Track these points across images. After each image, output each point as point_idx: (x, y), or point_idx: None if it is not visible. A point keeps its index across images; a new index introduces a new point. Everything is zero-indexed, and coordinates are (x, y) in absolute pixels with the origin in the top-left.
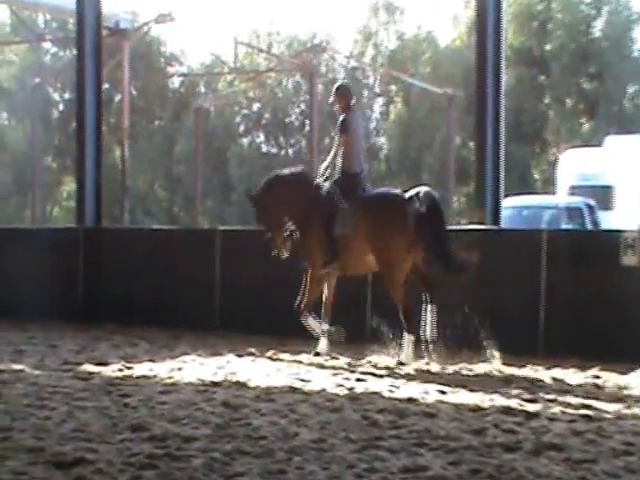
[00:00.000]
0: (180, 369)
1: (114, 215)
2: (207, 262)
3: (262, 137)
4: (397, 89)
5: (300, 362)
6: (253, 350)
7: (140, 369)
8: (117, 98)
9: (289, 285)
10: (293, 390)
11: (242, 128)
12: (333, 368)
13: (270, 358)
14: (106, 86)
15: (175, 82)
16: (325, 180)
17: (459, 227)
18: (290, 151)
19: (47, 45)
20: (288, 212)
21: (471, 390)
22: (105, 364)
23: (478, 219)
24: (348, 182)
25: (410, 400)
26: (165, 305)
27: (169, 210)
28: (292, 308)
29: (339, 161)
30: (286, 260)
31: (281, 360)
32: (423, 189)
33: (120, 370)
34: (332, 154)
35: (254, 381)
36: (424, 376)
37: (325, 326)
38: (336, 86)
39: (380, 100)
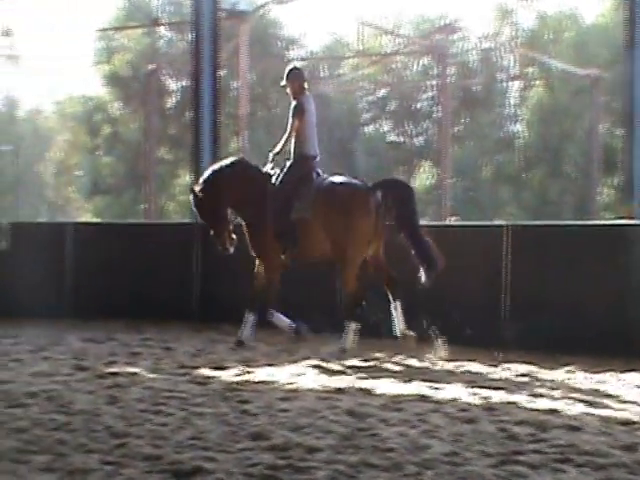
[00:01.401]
0: (301, 374)
1: None
2: None
3: (388, 125)
4: (536, 72)
5: (429, 368)
6: (379, 355)
7: (259, 374)
8: (234, 85)
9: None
10: (423, 398)
11: (366, 115)
12: (465, 374)
13: (397, 363)
14: (223, 72)
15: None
16: (274, 166)
17: (604, 222)
18: (421, 139)
19: (162, 30)
20: (232, 205)
21: (622, 402)
22: (223, 368)
23: (626, 214)
24: (302, 165)
25: (552, 411)
26: (286, 305)
27: None
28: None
29: (292, 145)
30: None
31: (409, 366)
32: (392, 178)
33: (238, 374)
34: (284, 139)
35: (380, 388)
36: (566, 387)
37: (290, 322)
38: (288, 69)
39: (517, 84)
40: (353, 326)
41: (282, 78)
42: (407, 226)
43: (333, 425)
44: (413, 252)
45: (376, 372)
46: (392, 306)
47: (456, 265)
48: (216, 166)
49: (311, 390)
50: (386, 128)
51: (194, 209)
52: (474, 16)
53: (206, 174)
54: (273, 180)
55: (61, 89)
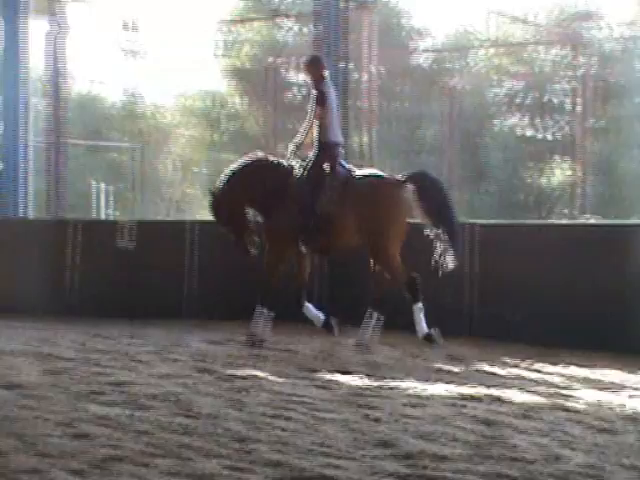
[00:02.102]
0: (429, 380)
1: None
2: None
3: (521, 119)
4: None
5: (562, 375)
6: (507, 360)
7: (385, 378)
8: (358, 78)
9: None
10: (557, 407)
11: (497, 108)
12: (599, 382)
13: (527, 369)
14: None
15: (421, 59)
16: (295, 158)
17: None
18: (554, 133)
19: (285, 22)
20: (251, 203)
21: None
22: (346, 372)
23: None
24: (327, 154)
25: None
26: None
27: None
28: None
29: (316, 134)
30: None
31: (539, 371)
32: (421, 171)
33: (363, 379)
34: (304, 128)
35: (511, 395)
36: None
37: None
38: (308, 58)
39: None
40: (376, 317)
41: (407, 70)
42: (439, 217)
43: (463, 433)
44: (441, 237)
45: (506, 378)
46: (414, 307)
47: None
48: (234, 165)
49: (439, 396)
50: (518, 121)
51: (211, 213)
52: (612, 2)
53: (223, 175)
54: (296, 172)
55: (182, 84)
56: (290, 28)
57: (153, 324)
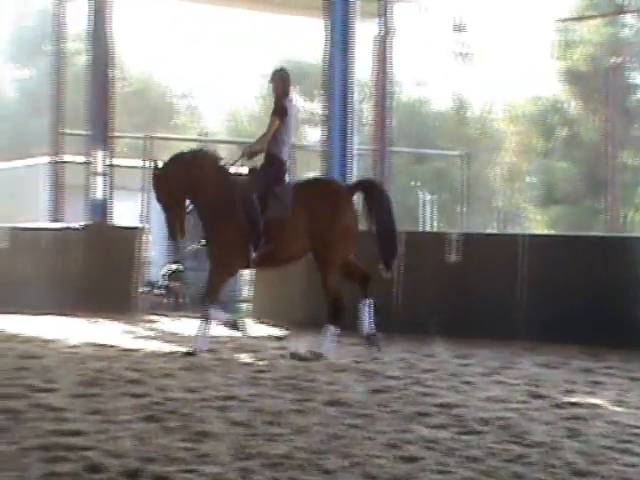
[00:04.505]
0: None
1: None
2: None
3: None
4: None
5: None
6: None
7: None
8: None
9: None
10: None
11: None
12: None
13: None
14: None
15: None
16: (244, 162)
17: None
18: None
19: (627, 18)
20: (193, 194)
21: None
22: None
23: None
24: (275, 168)
25: None
26: None
27: None
28: None
29: (270, 144)
30: None
31: None
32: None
33: None
34: (263, 138)
35: None
36: None
37: (226, 315)
38: (275, 70)
39: None
40: (332, 330)
41: None
42: (382, 226)
43: None
44: (379, 245)
45: None
46: (362, 303)
47: None
48: (185, 151)
49: None
50: None
51: (153, 187)
52: None
53: (172, 155)
54: (243, 178)
55: (513, 88)
56: (633, 25)
57: (479, 343)
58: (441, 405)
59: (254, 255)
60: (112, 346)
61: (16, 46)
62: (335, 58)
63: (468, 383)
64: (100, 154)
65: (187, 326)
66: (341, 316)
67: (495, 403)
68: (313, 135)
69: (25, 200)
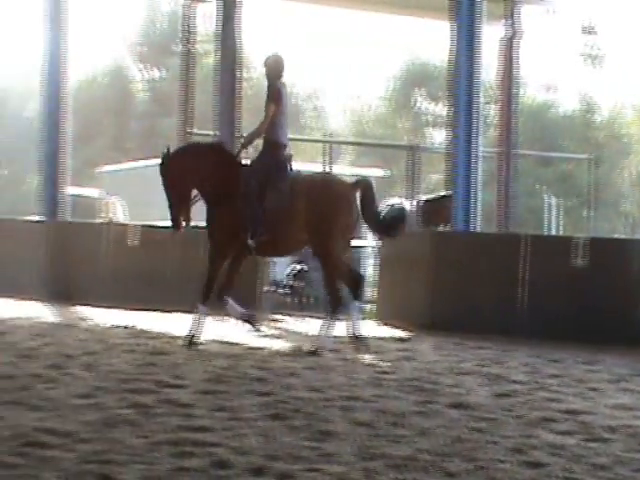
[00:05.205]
0: None
1: None
2: None
3: None
4: None
5: None
6: None
7: None
8: None
9: None
10: None
11: None
12: None
13: None
14: None
15: None
16: (246, 150)
17: None
18: None
19: None
20: (199, 184)
21: None
22: None
23: None
24: (273, 153)
25: None
26: None
27: None
28: None
29: (267, 130)
30: None
31: None
32: (365, 179)
33: None
34: (260, 123)
35: None
36: None
37: (244, 311)
38: (268, 56)
39: None
40: (329, 324)
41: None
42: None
43: None
44: None
45: None
46: (351, 305)
47: None
48: (193, 143)
49: None
50: None
51: (162, 174)
52: None
53: (180, 146)
54: (244, 166)
55: None
56: None
57: (606, 349)
58: (567, 411)
59: (250, 242)
60: (238, 344)
61: (147, 47)
62: (461, 60)
63: (595, 390)
64: None
65: (311, 326)
66: (338, 308)
67: (623, 411)
68: (438, 137)
69: (156, 199)
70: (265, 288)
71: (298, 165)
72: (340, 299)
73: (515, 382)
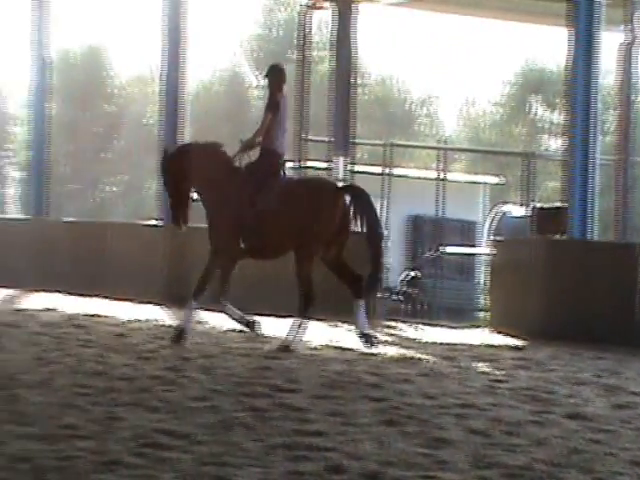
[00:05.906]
0: None
1: None
2: None
3: None
4: None
5: None
6: None
7: None
8: None
9: None
10: None
11: None
12: None
13: None
14: None
15: None
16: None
17: None
18: None
19: None
20: (198, 183)
21: None
22: None
23: None
24: (269, 161)
25: None
26: None
27: None
28: None
29: (264, 139)
30: None
31: None
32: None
33: None
34: (256, 131)
35: None
36: None
37: (247, 316)
38: (271, 65)
39: None
40: (301, 323)
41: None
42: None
43: None
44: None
45: None
46: (355, 304)
47: None
48: (191, 143)
49: None
50: None
51: (162, 173)
52: None
53: (182, 145)
54: (238, 169)
55: None
56: None
57: None
58: None
59: (242, 245)
60: (351, 349)
61: (263, 54)
62: (579, 66)
63: None
64: (341, 160)
65: (425, 333)
66: (310, 309)
67: None
68: (553, 144)
69: None
70: (379, 295)
71: (411, 171)
72: (312, 299)
73: (634, 394)
